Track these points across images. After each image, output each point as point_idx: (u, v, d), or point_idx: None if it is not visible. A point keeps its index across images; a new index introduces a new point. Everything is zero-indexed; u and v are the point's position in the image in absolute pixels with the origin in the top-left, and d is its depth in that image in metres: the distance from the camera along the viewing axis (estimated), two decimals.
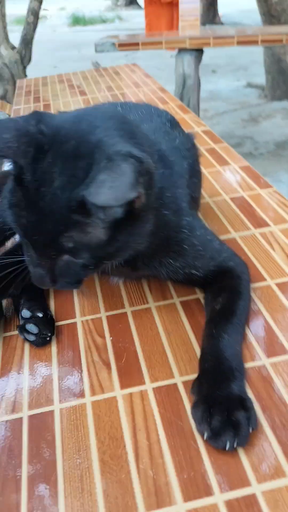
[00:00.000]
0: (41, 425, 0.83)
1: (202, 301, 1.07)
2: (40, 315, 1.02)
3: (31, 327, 0.99)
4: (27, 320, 1.00)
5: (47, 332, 0.99)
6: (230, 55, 8.74)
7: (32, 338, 0.99)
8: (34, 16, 5.29)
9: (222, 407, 0.76)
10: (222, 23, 11.56)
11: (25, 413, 0.86)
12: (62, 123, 0.78)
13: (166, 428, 0.80)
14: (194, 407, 0.79)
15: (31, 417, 0.85)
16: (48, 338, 0.99)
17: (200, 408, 0.77)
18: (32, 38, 5.30)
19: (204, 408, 0.77)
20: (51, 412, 0.85)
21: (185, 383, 0.88)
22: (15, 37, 5.41)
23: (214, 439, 0.74)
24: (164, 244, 0.96)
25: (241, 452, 0.74)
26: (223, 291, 1.00)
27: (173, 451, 0.76)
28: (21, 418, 0.85)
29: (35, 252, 0.80)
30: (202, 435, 0.76)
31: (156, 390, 0.87)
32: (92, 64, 5.18)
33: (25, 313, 1.00)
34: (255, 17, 6.92)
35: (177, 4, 6.41)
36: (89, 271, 0.84)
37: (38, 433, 0.82)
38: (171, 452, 0.76)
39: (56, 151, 0.73)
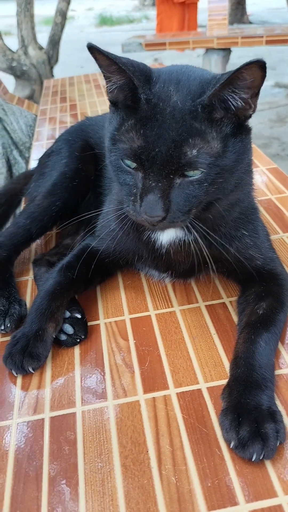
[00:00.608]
0: (62, 427, 0.83)
1: (230, 304, 1.05)
2: (79, 316, 1.02)
3: (67, 327, 0.99)
4: (64, 320, 1.00)
5: (81, 334, 0.99)
6: (258, 54, 8.63)
7: (63, 337, 0.99)
8: (62, 16, 5.33)
9: (251, 417, 0.74)
10: (250, 22, 11.43)
11: (46, 415, 0.85)
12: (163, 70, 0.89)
13: (190, 434, 0.78)
14: (222, 414, 0.78)
15: (52, 419, 0.84)
16: (78, 340, 0.99)
17: (229, 416, 0.76)
18: (59, 38, 5.34)
19: (233, 417, 0.75)
20: (73, 414, 0.85)
21: (210, 389, 0.86)
22: (43, 37, 5.46)
23: (241, 449, 0.72)
24: (240, 216, 0.99)
25: (267, 463, 0.72)
26: (267, 296, 0.98)
27: (197, 458, 0.75)
28: (42, 419, 0.85)
29: (153, 171, 0.80)
30: (229, 443, 0.74)
31: (180, 395, 0.85)
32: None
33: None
34: (284, 16, 6.81)
35: (189, 5, 6.37)
36: (197, 201, 0.83)
37: (59, 435, 0.81)
38: (194, 459, 0.74)
39: (165, 79, 0.85)
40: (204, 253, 0.95)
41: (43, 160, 1.39)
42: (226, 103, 0.80)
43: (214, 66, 3.93)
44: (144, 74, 0.85)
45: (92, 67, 7.78)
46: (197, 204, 0.84)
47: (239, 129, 0.84)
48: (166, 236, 0.97)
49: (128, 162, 0.85)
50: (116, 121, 0.87)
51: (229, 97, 0.79)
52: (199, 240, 0.92)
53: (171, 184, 0.81)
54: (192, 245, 0.96)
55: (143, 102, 0.82)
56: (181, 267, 1.03)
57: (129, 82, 0.82)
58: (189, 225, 0.88)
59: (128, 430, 0.81)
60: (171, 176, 0.81)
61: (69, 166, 1.27)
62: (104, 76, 0.86)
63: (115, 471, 0.74)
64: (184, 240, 0.96)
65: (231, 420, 0.75)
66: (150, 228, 0.93)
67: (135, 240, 1.03)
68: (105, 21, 13.02)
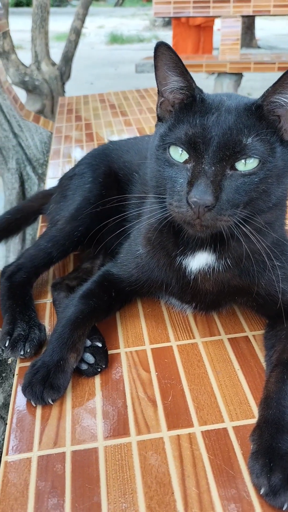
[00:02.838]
0: (84, 462, 0.80)
1: (253, 338, 1.03)
2: (99, 345, 1.00)
3: (88, 357, 0.97)
4: (85, 349, 0.98)
5: (102, 364, 0.98)
6: (266, 78, 8.73)
7: (85, 367, 0.97)
8: (76, 34, 5.40)
9: (284, 463, 0.72)
10: (259, 47, 11.60)
11: (68, 448, 0.83)
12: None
13: (217, 476, 0.76)
14: (253, 457, 0.75)
15: (74, 453, 0.82)
16: (99, 370, 0.97)
17: (260, 460, 0.74)
18: (72, 55, 5.40)
19: (264, 462, 0.73)
20: (95, 449, 0.83)
21: (235, 428, 0.84)
22: (54, 52, 5.52)
23: (272, 496, 0.70)
24: (273, 245, 0.97)
25: None
26: None
27: (225, 503, 0.72)
28: (63, 453, 0.82)
29: (207, 154, 0.82)
30: (259, 489, 0.72)
31: (205, 434, 0.83)
32: None
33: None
34: None
35: (205, 28, 6.44)
36: (247, 197, 0.84)
37: (81, 471, 0.79)
38: (222, 504, 0.72)
39: (215, 95, 0.92)
40: (235, 283, 0.94)
41: (64, 182, 1.39)
42: (276, 108, 0.85)
43: (226, 90, 3.97)
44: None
45: (102, 84, 7.85)
46: (246, 201, 0.84)
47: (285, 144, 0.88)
48: (197, 262, 0.96)
49: (176, 154, 0.87)
50: (165, 127, 0.92)
51: (279, 100, 0.84)
52: (231, 266, 0.92)
53: (223, 172, 0.83)
54: (222, 274, 0.95)
55: (199, 101, 0.88)
56: (207, 298, 1.02)
57: (188, 85, 0.89)
58: (241, 232, 0.86)
59: (152, 469, 0.78)
60: (224, 163, 0.83)
61: (93, 191, 1.27)
62: (158, 83, 0.92)
63: None
64: (214, 267, 0.95)
65: (262, 465, 0.73)
66: (191, 223, 0.86)
67: (166, 267, 1.02)
68: (115, 39, 13.19)
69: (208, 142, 0.83)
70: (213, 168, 0.82)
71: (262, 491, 0.71)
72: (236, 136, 0.82)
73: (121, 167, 1.32)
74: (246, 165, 0.83)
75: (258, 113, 0.85)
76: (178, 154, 0.87)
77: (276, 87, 0.83)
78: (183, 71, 0.88)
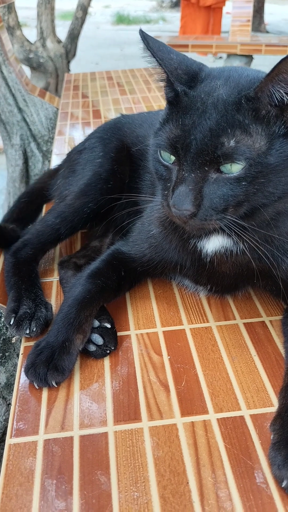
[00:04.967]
0: (94, 448, 0.76)
1: (270, 324, 0.99)
2: (108, 325, 0.95)
3: (96, 338, 0.92)
4: (93, 329, 0.93)
5: (111, 345, 0.93)
6: (274, 63, 8.58)
7: (93, 348, 0.92)
8: (83, 11, 5.26)
9: None
10: (267, 32, 11.39)
11: (76, 433, 0.79)
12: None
13: (234, 466, 0.72)
14: (274, 448, 0.71)
15: (82, 438, 0.78)
16: (108, 351, 0.92)
17: (282, 451, 0.69)
18: (79, 33, 5.27)
19: (287, 453, 0.68)
20: (105, 434, 0.78)
21: (253, 416, 0.80)
22: (59, 31, 5.39)
23: None
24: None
25: None
26: None
27: (243, 495, 0.68)
28: (71, 438, 0.78)
29: (186, 160, 0.76)
30: (280, 482, 0.68)
31: (221, 422, 0.79)
32: None
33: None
34: None
35: (215, 9, 6.29)
36: (234, 201, 0.76)
37: (90, 457, 0.75)
38: (240, 495, 0.68)
39: (215, 75, 0.82)
40: (253, 266, 0.88)
41: (73, 157, 1.33)
42: (272, 98, 0.74)
43: None
44: (187, 70, 0.83)
45: (107, 64, 7.71)
46: (234, 204, 0.77)
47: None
48: (212, 245, 0.91)
49: (166, 155, 0.81)
50: (162, 117, 0.84)
51: (275, 91, 0.73)
52: (247, 251, 0.86)
53: (205, 177, 0.76)
54: (240, 256, 0.90)
55: (182, 95, 0.80)
56: (224, 281, 0.97)
57: (165, 78, 0.82)
58: (238, 232, 0.80)
59: (166, 456, 0.74)
60: (206, 168, 0.75)
61: (104, 166, 1.21)
62: None
63: (153, 503, 0.68)
64: (232, 250, 0.90)
65: (285, 457, 0.68)
66: (182, 226, 0.84)
67: (180, 248, 0.96)
68: (122, 19, 12.95)
69: (187, 147, 0.76)
70: (192, 175, 0.76)
71: (284, 484, 0.67)
72: (216, 139, 0.74)
73: (134, 141, 1.26)
74: (232, 168, 0.75)
75: (249, 108, 0.75)
76: (168, 155, 0.81)
77: (270, 78, 0.72)
78: (159, 63, 0.81)
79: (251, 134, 0.74)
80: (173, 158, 0.80)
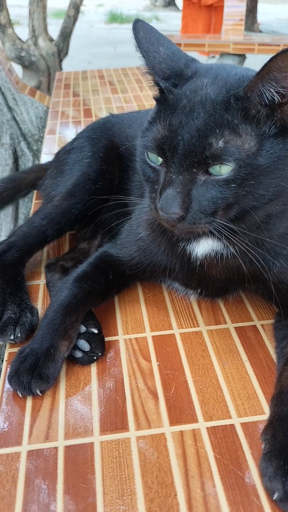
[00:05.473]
0: (79, 459, 0.73)
1: (262, 328, 0.96)
2: (95, 331, 0.92)
3: (83, 344, 0.89)
4: (79, 335, 0.90)
5: (98, 351, 0.90)
6: None
7: (79, 354, 0.89)
8: (75, 9, 5.22)
9: None
10: (260, 31, 11.39)
11: (60, 443, 0.76)
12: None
13: (223, 477, 0.70)
14: (265, 458, 0.69)
15: (67, 448, 0.75)
16: (95, 358, 0.90)
17: (274, 462, 0.67)
18: (71, 31, 5.23)
19: (279, 464, 0.66)
20: (91, 444, 0.76)
21: (244, 425, 0.77)
22: (52, 29, 5.35)
23: (286, 502, 0.63)
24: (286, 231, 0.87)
25: None
26: None
27: (233, 507, 0.66)
28: (56, 448, 0.75)
29: (173, 162, 0.73)
30: (271, 494, 0.65)
31: (211, 430, 0.77)
32: None
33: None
34: None
35: (216, 8, 6.27)
36: (224, 203, 0.74)
37: (75, 468, 0.72)
38: (230, 508, 0.66)
39: (203, 73, 0.79)
40: (244, 269, 0.86)
41: (61, 157, 1.30)
42: (263, 97, 0.71)
43: None
44: (173, 65, 0.81)
45: (100, 63, 7.67)
46: (224, 207, 0.74)
47: (284, 132, 0.74)
48: (202, 248, 0.88)
49: (153, 157, 0.78)
50: (151, 117, 0.82)
51: (265, 90, 0.70)
52: (238, 254, 0.84)
53: (193, 180, 0.73)
54: (230, 260, 0.87)
55: (167, 92, 0.78)
56: (215, 284, 0.94)
57: (149, 70, 0.80)
58: (228, 235, 0.78)
59: (153, 468, 0.72)
60: (194, 170, 0.73)
61: (92, 166, 1.18)
62: None
63: None
64: (222, 253, 0.87)
65: (276, 468, 0.66)
66: (170, 229, 0.82)
67: (168, 252, 0.94)
68: (115, 18, 12.90)
69: (174, 148, 0.73)
70: (180, 177, 0.73)
71: (275, 496, 0.65)
72: (204, 139, 0.71)
73: (123, 142, 1.23)
74: (221, 169, 0.72)
75: (238, 108, 0.72)
76: (155, 157, 0.78)
77: (260, 76, 0.69)
78: (143, 55, 0.80)
79: (241, 135, 0.72)
80: (160, 159, 0.77)
